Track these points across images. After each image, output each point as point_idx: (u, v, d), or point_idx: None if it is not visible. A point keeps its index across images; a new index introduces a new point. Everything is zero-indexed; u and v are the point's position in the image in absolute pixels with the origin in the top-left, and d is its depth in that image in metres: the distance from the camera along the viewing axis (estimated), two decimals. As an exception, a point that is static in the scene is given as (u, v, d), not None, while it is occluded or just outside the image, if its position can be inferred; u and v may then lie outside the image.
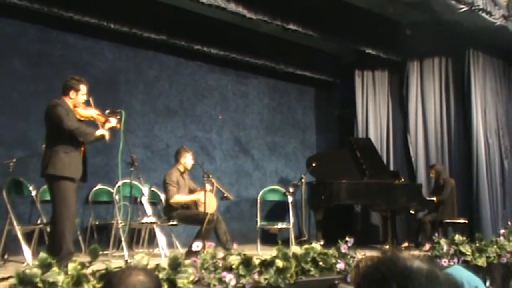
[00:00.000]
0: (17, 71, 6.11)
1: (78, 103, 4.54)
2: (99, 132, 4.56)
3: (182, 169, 6.01)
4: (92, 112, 4.60)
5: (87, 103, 4.62)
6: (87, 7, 6.21)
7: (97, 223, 6.31)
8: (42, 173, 4.40)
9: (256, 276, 4.09)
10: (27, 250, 4.84)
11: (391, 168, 8.28)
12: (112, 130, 4.70)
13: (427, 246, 5.94)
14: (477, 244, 6.05)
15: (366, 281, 1.18)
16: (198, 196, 5.82)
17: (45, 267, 3.33)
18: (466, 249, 5.85)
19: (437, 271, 1.15)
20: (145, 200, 5.91)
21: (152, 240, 6.29)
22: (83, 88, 4.55)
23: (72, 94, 4.51)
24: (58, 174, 4.29)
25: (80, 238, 6.01)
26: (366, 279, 1.18)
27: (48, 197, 4.82)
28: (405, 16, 7.82)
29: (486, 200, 7.65)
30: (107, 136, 4.62)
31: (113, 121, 4.64)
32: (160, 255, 5.42)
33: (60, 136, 4.35)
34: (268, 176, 8.44)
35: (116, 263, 3.81)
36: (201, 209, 5.71)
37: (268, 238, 7.17)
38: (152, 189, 6.55)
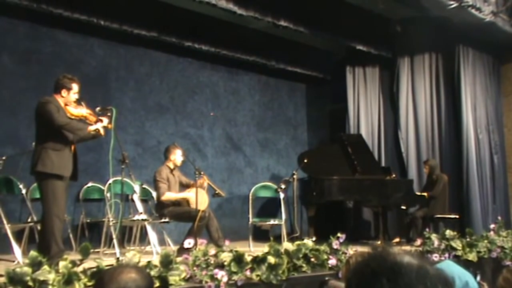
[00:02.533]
0: (6, 68, 6.06)
1: (70, 101, 4.52)
2: (92, 127, 4.54)
3: (171, 166, 6.00)
4: (83, 111, 4.58)
5: (78, 102, 4.59)
6: (77, 4, 6.15)
7: (88, 221, 6.28)
8: (32, 171, 4.38)
9: (248, 273, 4.10)
10: (17, 249, 4.80)
11: (383, 164, 8.29)
12: (103, 127, 4.67)
13: (418, 241, 5.97)
14: (468, 239, 6.09)
15: (356, 277, 1.18)
16: (189, 195, 5.82)
17: (35, 265, 3.32)
18: (457, 244, 5.89)
19: (428, 266, 1.15)
20: (136, 197, 5.88)
21: (143, 238, 6.27)
22: (75, 87, 4.53)
23: (63, 92, 4.49)
24: (47, 171, 4.28)
25: (71, 236, 5.98)
26: (357, 274, 1.18)
27: (38, 195, 4.79)
28: (396, 12, 7.83)
29: (477, 195, 7.70)
30: (102, 131, 4.60)
31: (104, 121, 4.61)
32: (152, 252, 5.40)
33: (50, 133, 4.33)
34: (260, 172, 8.44)
35: (107, 261, 3.80)
36: (192, 206, 5.71)
37: (260, 235, 7.17)
38: (144, 186, 6.53)
